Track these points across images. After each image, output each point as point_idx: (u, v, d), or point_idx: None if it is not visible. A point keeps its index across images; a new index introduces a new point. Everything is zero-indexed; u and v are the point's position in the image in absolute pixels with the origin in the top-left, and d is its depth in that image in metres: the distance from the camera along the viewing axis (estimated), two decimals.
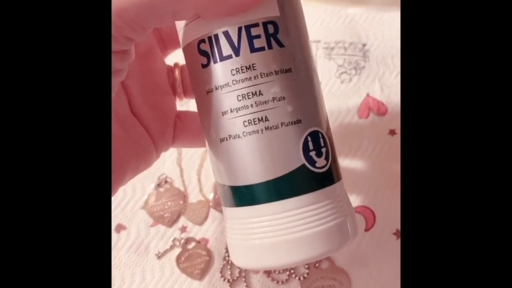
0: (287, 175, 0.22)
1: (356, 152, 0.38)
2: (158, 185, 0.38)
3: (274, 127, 0.22)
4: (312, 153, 0.23)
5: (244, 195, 0.23)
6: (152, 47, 0.29)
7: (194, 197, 0.38)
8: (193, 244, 0.36)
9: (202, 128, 0.25)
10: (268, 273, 0.35)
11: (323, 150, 0.23)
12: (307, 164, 0.23)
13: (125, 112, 0.27)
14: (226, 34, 0.22)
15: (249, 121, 0.22)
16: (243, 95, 0.22)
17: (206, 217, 0.37)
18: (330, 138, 0.24)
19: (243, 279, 0.35)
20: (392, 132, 0.39)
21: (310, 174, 0.23)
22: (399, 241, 0.35)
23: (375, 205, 0.36)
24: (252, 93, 0.22)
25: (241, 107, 0.22)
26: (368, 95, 0.40)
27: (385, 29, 0.43)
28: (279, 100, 0.22)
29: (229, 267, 0.35)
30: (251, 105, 0.22)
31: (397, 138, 0.38)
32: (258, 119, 0.22)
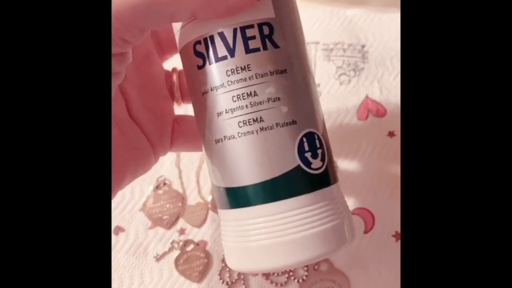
0: (282, 176, 0.22)
1: (355, 153, 0.38)
2: (157, 187, 0.38)
3: (269, 128, 0.22)
4: (308, 154, 0.23)
5: (239, 197, 0.23)
6: (150, 52, 0.29)
7: (192, 199, 0.38)
8: (191, 246, 0.36)
9: (198, 129, 0.25)
10: (266, 275, 0.35)
11: (319, 151, 0.23)
12: (302, 165, 0.23)
13: (123, 116, 0.27)
14: (222, 35, 0.22)
15: (244, 122, 0.22)
16: (238, 96, 0.22)
17: (204, 219, 0.37)
18: (326, 140, 0.24)
19: (242, 282, 0.35)
20: (391, 134, 0.39)
21: (305, 175, 0.23)
22: (398, 243, 0.35)
23: (374, 207, 0.36)
24: (247, 93, 0.22)
25: (236, 107, 0.22)
26: (367, 96, 0.40)
27: (384, 31, 0.43)
28: (274, 100, 0.22)
29: (227, 269, 0.35)
30: (246, 106, 0.22)
31: (396, 140, 0.38)
32: (253, 119, 0.22)
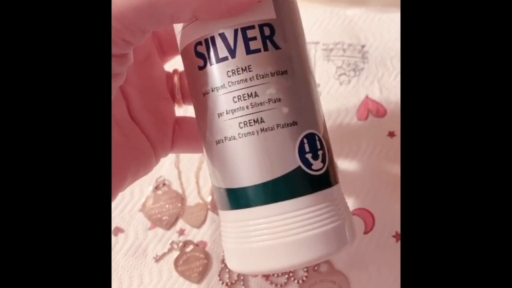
0: (283, 177, 0.22)
1: (355, 154, 0.38)
2: (156, 188, 0.38)
3: (270, 129, 0.22)
4: (308, 156, 0.23)
5: (239, 198, 0.23)
6: (151, 54, 0.29)
7: (192, 199, 0.38)
8: (191, 247, 0.36)
9: (199, 130, 0.25)
10: (266, 276, 0.35)
11: (320, 152, 0.23)
12: (303, 166, 0.23)
13: (124, 117, 0.27)
14: (223, 36, 0.22)
15: (245, 123, 0.22)
16: (239, 97, 0.22)
17: (204, 220, 0.37)
18: (327, 141, 0.24)
19: (242, 283, 0.34)
20: (391, 134, 0.39)
21: (306, 176, 0.23)
22: (398, 244, 0.35)
23: (374, 208, 0.36)
24: (247, 94, 0.22)
25: (237, 108, 0.22)
26: (367, 96, 0.40)
27: (384, 31, 0.43)
28: (275, 101, 0.22)
29: (227, 270, 0.35)
30: (247, 107, 0.22)
31: (396, 140, 0.38)
32: (254, 120, 0.22)
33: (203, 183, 0.38)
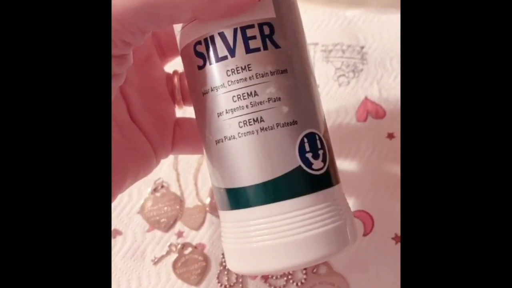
0: (283, 177, 0.22)
1: (354, 155, 0.38)
2: (155, 190, 0.38)
3: (270, 128, 0.22)
4: (309, 155, 0.23)
5: (239, 197, 0.23)
6: (151, 55, 0.30)
7: (190, 202, 0.38)
8: (189, 249, 0.36)
9: (199, 130, 0.25)
10: (265, 278, 0.34)
11: (320, 152, 0.23)
12: (303, 166, 0.23)
13: (124, 118, 0.27)
14: (222, 35, 0.22)
15: (245, 122, 0.22)
16: (239, 96, 0.22)
17: (202, 222, 0.37)
18: (328, 141, 0.24)
19: (240, 285, 0.34)
20: (390, 136, 0.38)
21: (306, 176, 0.23)
22: (397, 246, 0.35)
23: (374, 210, 0.36)
24: (247, 93, 0.22)
25: (237, 107, 0.22)
26: (366, 98, 0.40)
27: (383, 32, 0.43)
28: (275, 100, 0.22)
29: (226, 272, 0.35)
30: (247, 106, 0.22)
31: (395, 142, 0.38)
32: (254, 119, 0.22)
33: (201, 185, 0.38)
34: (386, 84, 0.41)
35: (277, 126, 0.22)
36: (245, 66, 0.22)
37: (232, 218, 0.24)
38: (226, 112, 0.23)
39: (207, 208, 0.37)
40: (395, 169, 0.37)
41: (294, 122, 0.23)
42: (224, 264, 0.35)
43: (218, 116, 0.23)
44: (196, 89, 0.24)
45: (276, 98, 0.22)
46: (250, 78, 0.22)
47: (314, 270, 0.35)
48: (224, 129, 0.23)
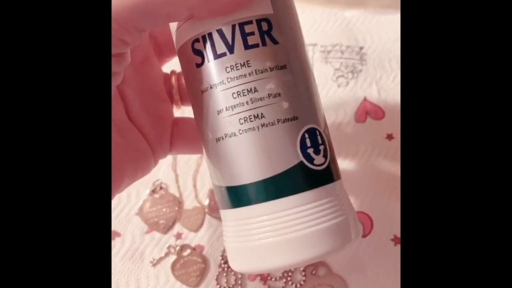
0: (285, 173, 0.22)
1: (353, 156, 0.38)
2: (153, 191, 0.38)
3: (270, 124, 0.22)
4: (310, 150, 0.23)
5: (241, 195, 0.23)
6: (149, 55, 0.30)
7: (189, 203, 0.38)
8: (188, 251, 0.36)
9: (198, 129, 0.25)
10: (264, 280, 0.34)
11: (321, 147, 0.23)
12: (305, 162, 0.23)
13: (122, 118, 0.27)
14: (220, 32, 0.22)
15: (245, 119, 0.22)
16: (238, 92, 0.22)
17: (201, 224, 0.37)
18: (328, 136, 0.24)
19: (239, 287, 0.34)
20: (389, 137, 0.38)
21: (308, 171, 0.23)
22: (396, 247, 0.35)
23: (373, 211, 0.36)
24: (247, 90, 0.22)
25: (237, 104, 0.22)
26: (365, 99, 0.40)
27: (382, 32, 0.43)
28: (275, 96, 0.22)
29: (225, 274, 0.35)
30: (247, 102, 0.22)
31: (394, 143, 0.38)
32: (254, 116, 0.22)
33: (200, 186, 0.38)
34: (385, 85, 0.41)
35: (278, 122, 0.22)
36: (244, 63, 0.22)
37: (234, 216, 0.24)
38: (226, 109, 0.23)
39: (206, 210, 0.37)
40: (394, 170, 0.37)
41: (295, 118, 0.23)
42: (223, 266, 0.35)
43: (218, 113, 0.23)
44: (194, 88, 0.24)
45: (276, 94, 0.22)
46: (249, 74, 0.22)
47: (313, 272, 0.35)
48: (225, 126, 0.23)
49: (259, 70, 0.22)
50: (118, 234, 0.37)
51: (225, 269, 0.35)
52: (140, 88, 0.29)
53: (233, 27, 0.22)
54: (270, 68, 0.22)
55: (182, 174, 0.39)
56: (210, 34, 0.23)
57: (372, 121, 0.39)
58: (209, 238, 0.36)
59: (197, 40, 0.23)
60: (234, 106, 0.22)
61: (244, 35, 0.22)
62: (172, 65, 0.31)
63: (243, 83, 0.22)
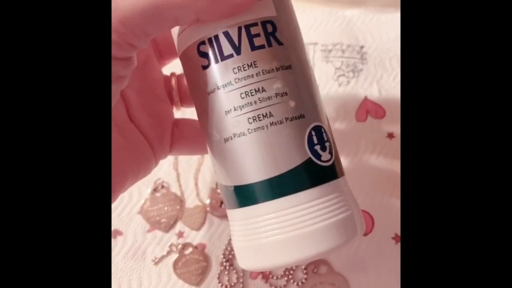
0: (294, 169, 0.23)
1: (354, 155, 0.38)
2: (155, 190, 0.38)
3: (279, 122, 0.23)
4: (317, 147, 0.23)
5: (251, 194, 0.23)
6: (150, 57, 0.30)
7: (191, 202, 0.38)
8: (190, 249, 0.36)
9: (203, 131, 0.25)
10: (266, 278, 0.35)
11: (327, 144, 0.24)
12: (313, 158, 0.23)
13: (123, 120, 0.28)
14: (227, 34, 0.23)
15: (254, 118, 0.23)
16: (247, 93, 0.23)
17: (203, 222, 0.37)
18: (331, 133, 0.25)
19: (241, 285, 0.35)
20: (390, 135, 0.39)
21: (317, 167, 0.23)
22: (397, 245, 0.35)
23: (374, 209, 0.36)
24: (255, 90, 0.23)
25: (245, 104, 0.23)
26: (366, 98, 0.40)
27: (382, 31, 0.43)
28: (282, 95, 0.23)
29: (226, 272, 0.35)
30: (255, 102, 0.23)
31: (395, 142, 0.38)
32: (263, 115, 0.23)
33: (201, 185, 0.38)
34: (385, 84, 0.41)
35: (286, 120, 0.23)
36: (251, 63, 0.23)
37: (242, 215, 0.24)
38: (235, 109, 0.23)
39: (208, 208, 0.37)
40: (395, 169, 0.38)
41: (302, 116, 0.23)
42: (224, 264, 0.35)
43: (226, 114, 0.23)
44: (200, 89, 0.24)
45: (283, 93, 0.23)
46: (256, 74, 0.23)
47: (315, 270, 0.35)
48: (233, 126, 0.23)
49: (266, 70, 0.23)
50: (120, 233, 0.37)
51: (227, 267, 0.35)
52: (141, 89, 0.29)
53: (239, 29, 0.23)
54: (276, 68, 0.23)
55: (183, 173, 0.39)
56: (216, 37, 0.23)
57: (372, 120, 0.40)
58: (211, 236, 0.37)
59: (203, 43, 0.23)
60: (243, 106, 0.23)
61: (250, 37, 0.23)
62: (172, 67, 0.31)
63: (251, 83, 0.23)
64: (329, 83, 0.41)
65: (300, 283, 0.34)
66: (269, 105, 0.23)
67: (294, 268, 0.35)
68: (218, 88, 0.23)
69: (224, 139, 0.24)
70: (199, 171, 0.39)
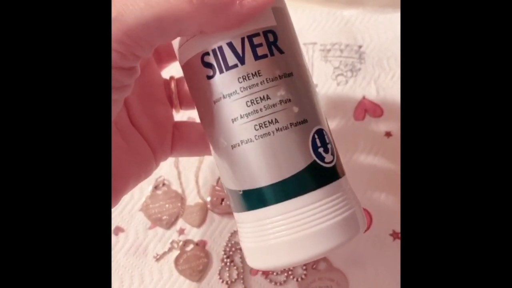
0: (300, 172, 0.24)
1: (353, 154, 0.39)
2: (156, 188, 0.39)
3: (284, 128, 0.24)
4: (320, 150, 0.24)
5: (260, 198, 0.24)
6: (149, 62, 0.31)
7: (192, 199, 0.39)
8: (191, 246, 0.37)
9: (209, 138, 0.26)
10: (266, 274, 0.35)
11: (329, 146, 0.25)
12: (317, 160, 0.24)
13: (125, 123, 0.29)
14: (230, 45, 0.24)
15: (260, 125, 0.24)
16: (252, 101, 0.24)
17: (204, 219, 0.38)
18: (332, 135, 0.26)
19: (242, 281, 0.35)
20: (388, 134, 0.39)
21: (321, 169, 0.24)
22: (395, 242, 0.36)
23: (372, 207, 0.37)
24: (260, 98, 0.24)
25: (251, 112, 0.24)
26: (364, 97, 0.41)
27: (380, 31, 0.44)
28: (286, 102, 0.24)
29: (227, 269, 0.36)
30: (260, 110, 0.23)
31: (393, 140, 0.39)
32: (268, 122, 0.23)
33: (202, 183, 0.39)
34: (383, 84, 0.42)
35: (291, 125, 0.24)
36: (255, 72, 0.23)
37: (251, 218, 0.25)
38: (241, 117, 0.24)
39: (208, 206, 0.38)
40: (393, 167, 0.38)
41: (305, 121, 0.24)
42: (225, 260, 0.36)
43: (233, 121, 0.24)
44: (205, 98, 0.25)
45: (287, 99, 0.24)
46: (261, 83, 0.24)
47: (314, 266, 0.36)
48: (240, 133, 0.24)
49: (269, 79, 0.24)
50: (122, 230, 0.37)
51: (228, 263, 0.36)
52: (141, 93, 0.30)
53: (243, 40, 0.24)
54: (279, 76, 0.24)
55: (184, 171, 0.40)
56: (220, 48, 0.24)
57: (370, 119, 0.40)
58: (212, 233, 0.37)
59: (207, 54, 0.24)
60: (249, 114, 0.24)
61: (253, 47, 0.24)
62: (170, 70, 0.32)
63: (256, 92, 0.24)
64: (327, 82, 0.42)
65: (299, 279, 0.35)
66: (274, 112, 0.24)
67: None
68: (224, 97, 0.24)
69: (231, 145, 0.24)
70: (199, 169, 0.39)
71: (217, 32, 0.23)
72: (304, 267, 0.36)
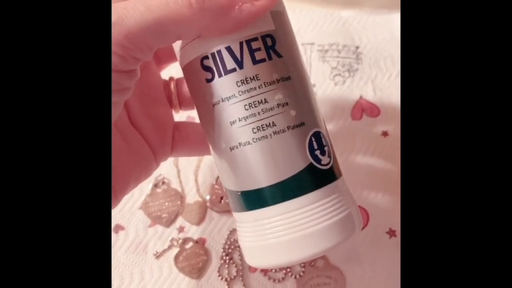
0: (297, 174, 0.24)
1: (350, 153, 0.40)
2: (156, 186, 0.39)
3: (282, 131, 0.24)
4: (317, 152, 0.25)
5: (257, 198, 0.25)
6: (149, 63, 0.32)
7: (191, 197, 0.39)
8: (190, 244, 0.37)
9: (209, 139, 0.27)
10: (265, 272, 0.36)
11: (326, 148, 0.26)
12: (314, 163, 0.25)
13: (125, 124, 0.29)
14: (229, 49, 0.24)
15: (258, 128, 0.24)
16: (250, 104, 0.24)
17: (203, 217, 0.38)
18: (329, 137, 0.27)
19: (241, 278, 0.36)
20: (384, 134, 0.40)
21: (317, 171, 0.25)
22: (391, 240, 0.37)
23: (369, 205, 0.38)
24: (258, 101, 0.24)
25: (249, 115, 0.24)
26: (361, 97, 0.42)
27: (377, 32, 0.45)
28: (283, 105, 0.24)
29: (226, 266, 0.36)
30: (258, 113, 0.24)
31: (389, 140, 0.40)
32: (266, 125, 0.24)
33: (201, 181, 0.40)
34: (380, 84, 0.42)
35: (288, 128, 0.24)
36: (253, 76, 0.24)
37: (250, 218, 0.26)
38: (239, 120, 0.24)
39: (208, 204, 0.39)
40: (389, 166, 0.39)
41: (302, 124, 0.25)
42: (224, 258, 0.37)
43: (231, 124, 0.24)
44: (204, 101, 0.26)
45: (284, 103, 0.24)
46: (259, 87, 0.24)
47: (312, 264, 0.36)
48: (238, 136, 0.24)
49: (267, 83, 0.24)
50: (122, 228, 0.38)
51: (227, 261, 0.36)
52: (141, 94, 0.30)
53: (241, 44, 0.24)
54: (277, 80, 0.24)
55: (183, 169, 0.40)
56: (219, 52, 0.24)
57: (367, 118, 0.41)
58: (211, 231, 0.38)
59: (206, 57, 0.24)
60: (247, 117, 0.24)
61: (252, 51, 0.24)
62: (170, 70, 0.33)
63: (254, 95, 0.24)
64: (325, 82, 0.43)
65: (298, 276, 0.36)
66: (271, 115, 0.24)
67: None
68: (223, 100, 0.24)
69: (230, 147, 0.25)
70: (199, 168, 0.40)
71: (216, 36, 0.24)
72: (302, 265, 0.36)
